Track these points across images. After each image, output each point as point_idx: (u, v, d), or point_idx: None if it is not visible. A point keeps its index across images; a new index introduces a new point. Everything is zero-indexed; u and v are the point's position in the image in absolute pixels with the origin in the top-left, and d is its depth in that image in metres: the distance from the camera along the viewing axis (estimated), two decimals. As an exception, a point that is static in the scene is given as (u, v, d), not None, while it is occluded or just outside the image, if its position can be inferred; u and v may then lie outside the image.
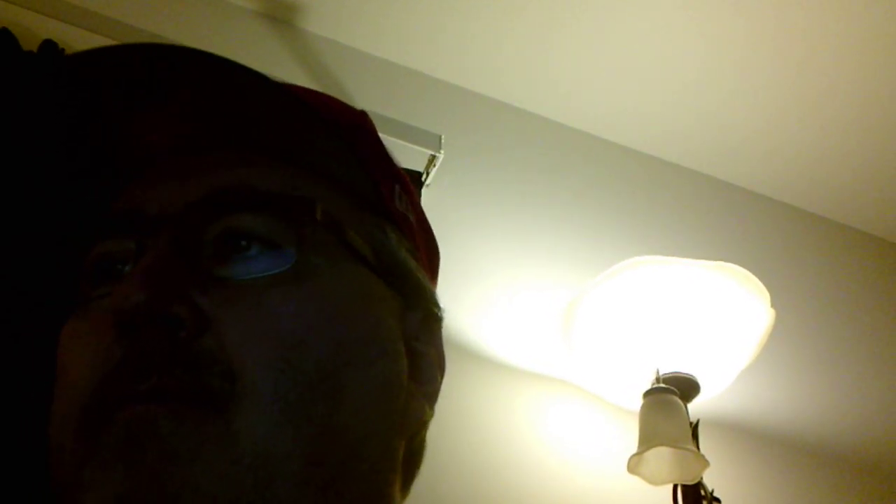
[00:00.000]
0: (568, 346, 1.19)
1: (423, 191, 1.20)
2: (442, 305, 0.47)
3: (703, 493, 1.08)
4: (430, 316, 0.45)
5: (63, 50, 1.02)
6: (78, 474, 0.34)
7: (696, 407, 1.14)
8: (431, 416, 0.44)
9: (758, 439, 1.32)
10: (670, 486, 1.09)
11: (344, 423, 0.37)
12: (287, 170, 0.40)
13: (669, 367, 1.13)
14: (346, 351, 0.38)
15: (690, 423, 1.09)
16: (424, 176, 1.18)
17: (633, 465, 1.06)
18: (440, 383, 0.46)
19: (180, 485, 0.32)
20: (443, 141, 1.17)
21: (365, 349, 0.39)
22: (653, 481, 1.07)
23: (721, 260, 1.14)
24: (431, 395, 0.45)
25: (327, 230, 0.39)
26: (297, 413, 0.35)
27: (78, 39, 1.05)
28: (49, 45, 1.02)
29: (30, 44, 1.01)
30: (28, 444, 0.65)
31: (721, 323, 1.14)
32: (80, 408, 0.35)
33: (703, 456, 1.05)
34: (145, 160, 0.41)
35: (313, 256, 0.38)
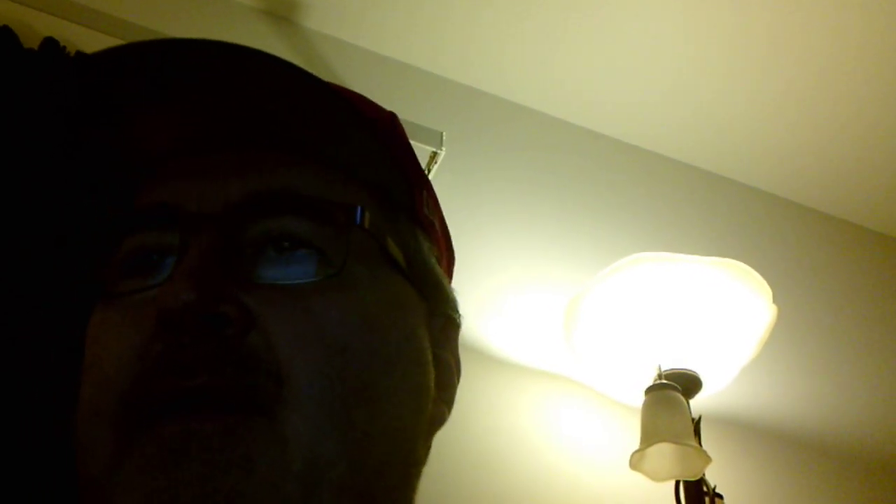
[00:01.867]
0: (570, 343, 1.19)
1: (425, 188, 1.20)
2: (460, 312, 0.47)
3: (705, 489, 1.08)
4: (450, 322, 0.46)
5: (64, 47, 1.02)
6: (114, 470, 0.34)
7: (698, 403, 1.14)
8: (448, 418, 0.45)
9: (760, 435, 1.32)
10: (672, 483, 1.09)
11: (381, 430, 0.37)
12: (326, 173, 0.40)
13: (671, 363, 1.13)
14: (384, 359, 0.38)
15: (692, 420, 1.09)
16: (426, 173, 1.18)
17: (636, 462, 1.06)
18: (456, 387, 0.46)
19: (228, 493, 0.32)
20: (444, 138, 1.17)
21: (401, 358, 0.39)
22: (655, 477, 1.08)
23: (723, 256, 1.14)
24: (449, 400, 0.45)
25: (370, 238, 0.39)
26: (342, 419, 0.35)
27: (79, 37, 1.05)
28: (50, 43, 1.02)
29: (31, 41, 1.01)
30: (42, 433, 0.65)
31: (723, 319, 1.14)
32: (118, 401, 0.35)
33: (705, 452, 1.05)
34: (170, 154, 0.41)
35: (355, 264, 0.38)
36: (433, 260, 0.45)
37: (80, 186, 0.42)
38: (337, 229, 0.38)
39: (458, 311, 0.47)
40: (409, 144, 0.47)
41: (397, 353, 0.39)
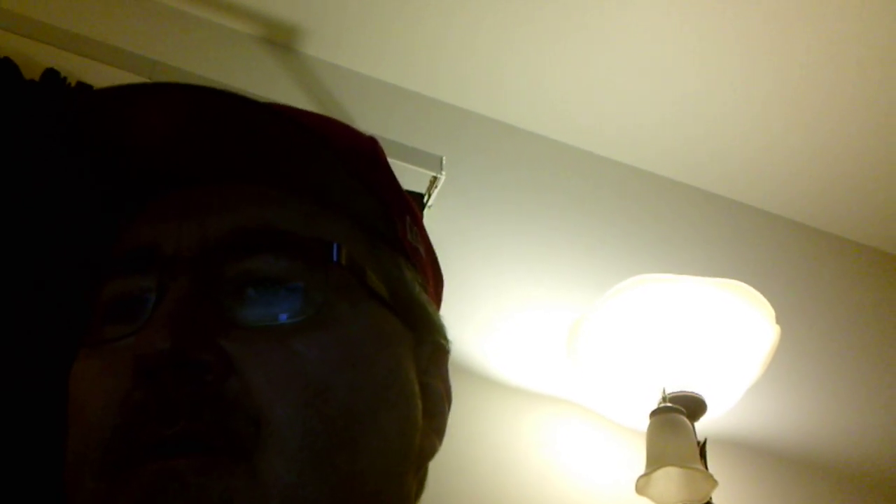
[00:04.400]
0: (573, 366, 1.19)
1: (426, 212, 1.20)
2: (449, 337, 0.47)
3: (712, 513, 1.07)
4: (438, 349, 0.46)
5: (65, 78, 1.03)
6: None
7: (703, 426, 1.13)
8: (439, 448, 0.44)
9: (766, 457, 1.31)
10: (679, 507, 1.08)
11: (365, 467, 0.37)
12: (304, 205, 0.40)
13: (676, 385, 1.12)
14: (368, 395, 0.38)
15: (698, 443, 1.08)
16: (426, 197, 1.19)
17: (642, 487, 1.05)
18: (448, 415, 0.46)
19: None
20: (444, 162, 1.18)
21: (385, 392, 0.39)
22: (661, 502, 1.07)
23: (725, 277, 1.14)
24: (440, 429, 0.45)
25: (350, 273, 0.39)
26: (322, 460, 0.35)
27: (80, 68, 1.05)
28: (51, 74, 1.02)
29: (32, 73, 1.02)
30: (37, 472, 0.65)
31: (726, 340, 1.13)
32: (101, 449, 0.35)
33: (711, 475, 1.04)
34: (150, 192, 0.41)
35: (335, 300, 0.38)
36: (418, 288, 0.44)
37: (67, 223, 0.42)
38: (315, 267, 0.38)
39: (446, 338, 0.47)
40: (389, 170, 0.47)
41: (382, 387, 0.39)
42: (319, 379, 0.36)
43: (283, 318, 0.37)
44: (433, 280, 0.48)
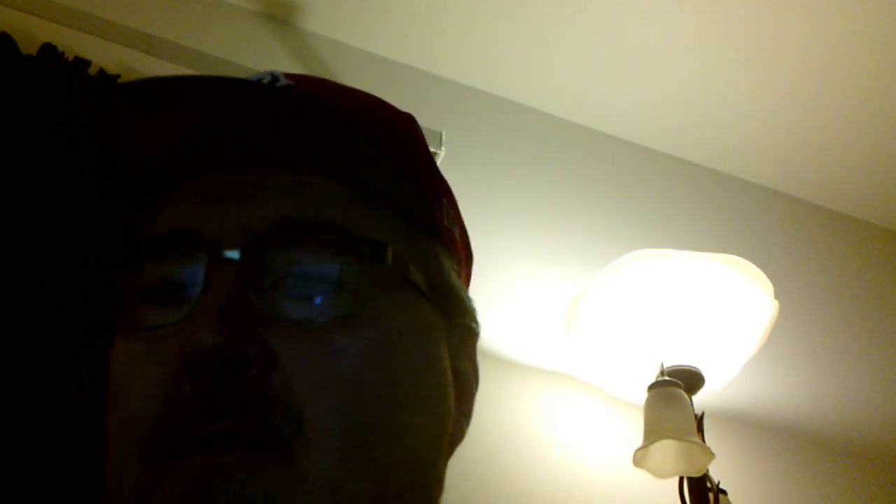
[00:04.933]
0: (572, 340, 1.19)
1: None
2: (479, 319, 0.47)
3: (709, 485, 1.08)
4: (469, 331, 0.46)
5: (63, 53, 1.02)
6: (143, 502, 0.34)
7: (700, 399, 1.14)
8: (467, 430, 0.45)
9: (763, 431, 1.32)
10: (676, 479, 1.09)
11: (404, 459, 0.37)
12: (344, 191, 0.40)
13: (673, 359, 1.13)
14: (406, 389, 0.38)
15: (695, 416, 1.09)
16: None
17: (639, 459, 1.06)
18: (475, 398, 0.46)
19: None
20: (444, 138, 1.17)
21: (423, 385, 0.40)
22: (658, 474, 1.08)
23: (723, 252, 1.14)
24: (468, 412, 0.45)
25: (394, 270, 0.39)
26: (363, 454, 0.35)
27: (78, 42, 1.05)
28: (49, 49, 1.02)
29: (30, 47, 1.01)
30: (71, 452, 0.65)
31: (725, 315, 1.14)
32: (145, 437, 0.35)
33: (708, 448, 1.05)
34: (181, 174, 0.41)
35: (377, 295, 0.38)
36: (453, 275, 0.45)
37: (93, 203, 0.42)
38: (361, 265, 0.38)
39: (476, 320, 0.47)
40: (427, 150, 0.47)
41: (420, 380, 0.39)
42: (359, 375, 0.36)
43: (326, 314, 0.37)
44: (465, 261, 0.49)
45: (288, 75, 0.45)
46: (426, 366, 0.40)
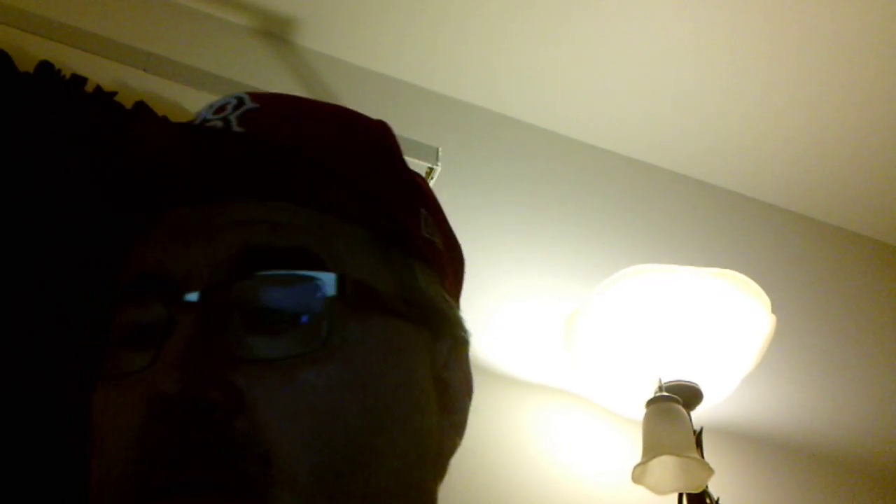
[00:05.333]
0: (570, 356, 1.19)
1: (422, 204, 1.20)
2: (468, 328, 0.47)
3: (708, 501, 1.07)
4: (457, 341, 0.46)
5: (59, 70, 1.02)
6: None
7: (699, 415, 1.14)
8: (459, 444, 0.45)
9: (762, 446, 1.32)
10: (675, 496, 1.08)
11: (383, 486, 0.37)
12: (314, 216, 0.40)
13: (671, 375, 1.13)
14: (379, 414, 0.38)
15: (694, 431, 1.09)
16: (423, 188, 1.19)
17: (638, 475, 1.06)
18: (468, 409, 0.46)
19: None
20: (440, 153, 1.17)
21: (397, 408, 0.39)
22: (658, 491, 1.07)
23: (720, 266, 1.14)
24: (460, 425, 0.45)
25: (359, 296, 0.39)
26: (336, 488, 0.35)
27: (75, 60, 1.05)
28: (46, 66, 1.02)
29: (26, 65, 1.02)
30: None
31: (722, 329, 1.14)
32: (118, 483, 0.35)
33: (707, 464, 1.04)
34: (151, 210, 0.41)
35: (345, 323, 0.38)
36: (432, 288, 0.44)
37: (89, 220, 0.43)
38: (322, 298, 0.38)
39: (464, 329, 0.46)
40: (401, 160, 0.46)
41: (393, 403, 0.39)
42: (328, 407, 0.36)
43: (292, 349, 0.37)
44: (451, 267, 0.48)
45: (254, 97, 0.45)
46: (400, 387, 0.39)
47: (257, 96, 0.45)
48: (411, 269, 0.43)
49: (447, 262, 0.48)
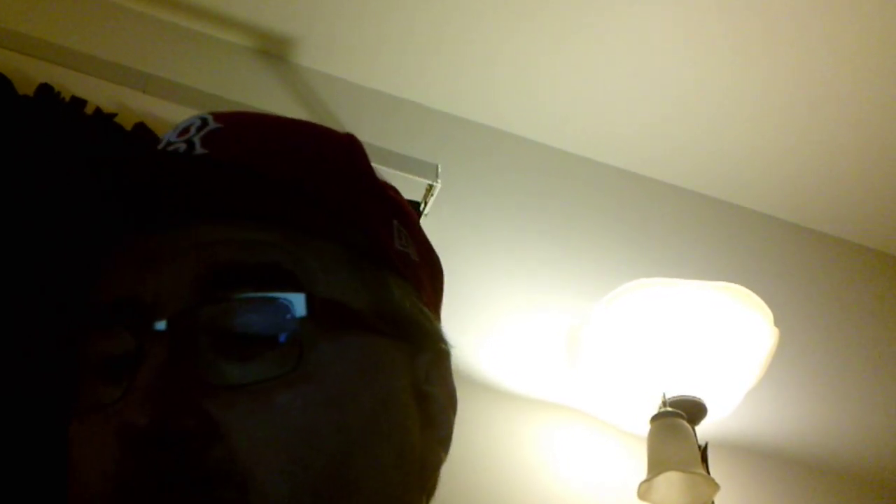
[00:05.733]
0: (573, 371, 1.18)
1: (422, 221, 1.20)
2: (449, 340, 0.46)
3: (714, 516, 1.07)
4: (438, 354, 0.45)
5: (59, 93, 1.02)
6: None
7: (704, 430, 1.13)
8: (445, 458, 0.44)
9: (767, 460, 1.31)
10: (681, 511, 1.07)
11: None
12: (284, 233, 0.39)
13: (676, 390, 1.12)
14: (357, 433, 0.37)
15: (699, 447, 1.08)
16: (422, 206, 1.19)
17: (644, 492, 1.05)
18: (453, 423, 0.45)
19: None
20: (440, 170, 1.18)
21: (376, 425, 0.38)
22: (664, 507, 1.06)
23: (722, 279, 1.14)
24: (445, 440, 0.44)
25: (330, 315, 0.38)
26: None
27: (74, 82, 1.05)
28: (45, 89, 1.02)
29: (26, 88, 1.02)
30: None
31: (725, 343, 1.13)
32: None
33: (713, 479, 1.04)
34: (116, 238, 0.41)
35: (317, 343, 0.37)
36: (408, 301, 0.43)
37: (44, 279, 0.42)
38: (293, 318, 0.37)
39: (445, 341, 0.46)
40: (371, 173, 0.46)
41: (372, 421, 0.38)
42: (305, 430, 0.35)
43: (265, 373, 0.36)
44: (428, 278, 0.47)
45: (217, 117, 0.44)
46: (379, 404, 0.39)
47: (221, 116, 0.45)
48: (386, 283, 0.42)
49: (424, 274, 0.47)
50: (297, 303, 0.37)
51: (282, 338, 0.37)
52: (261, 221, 0.39)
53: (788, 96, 1.42)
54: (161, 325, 0.36)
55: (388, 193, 0.46)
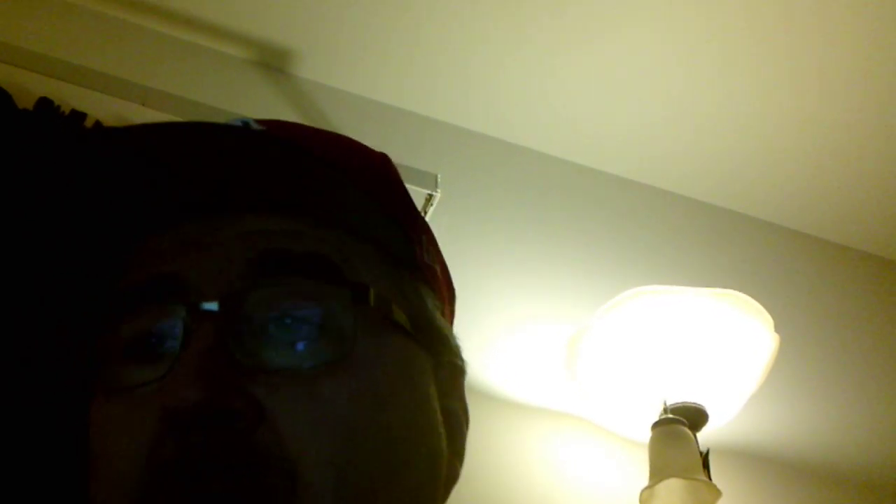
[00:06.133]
0: (574, 379, 1.18)
1: (422, 230, 1.20)
2: (464, 356, 0.46)
3: (717, 523, 1.06)
4: (455, 369, 0.45)
5: (59, 107, 1.03)
6: None
7: (705, 436, 1.13)
8: (460, 472, 0.44)
9: (770, 466, 1.31)
10: (684, 519, 1.07)
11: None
12: (328, 232, 0.39)
13: (676, 397, 1.12)
14: (397, 433, 0.37)
15: (701, 453, 1.08)
16: (423, 216, 1.19)
17: (646, 499, 1.05)
18: (466, 436, 0.45)
19: None
20: (439, 180, 1.18)
21: (414, 428, 0.39)
22: (666, 514, 1.06)
23: (722, 286, 1.14)
24: (460, 453, 0.44)
25: (377, 311, 0.38)
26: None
27: (73, 96, 1.06)
28: (45, 103, 1.03)
29: (26, 102, 1.02)
30: None
31: (726, 350, 1.13)
32: (129, 502, 0.34)
33: (714, 486, 1.03)
34: (153, 225, 0.40)
35: (361, 338, 0.37)
36: (437, 313, 0.44)
37: (74, 259, 0.41)
38: (344, 306, 0.37)
39: (461, 357, 0.46)
40: (403, 188, 0.46)
41: (411, 422, 0.38)
42: (349, 423, 0.35)
43: (310, 360, 0.36)
44: (448, 298, 0.48)
45: (259, 121, 0.44)
46: (416, 407, 0.39)
47: (261, 121, 0.45)
48: (419, 292, 0.43)
49: (445, 291, 0.48)
50: (350, 293, 0.37)
51: (331, 327, 0.37)
52: (308, 216, 0.39)
53: (786, 101, 1.42)
54: (212, 305, 0.35)
55: (417, 211, 0.47)
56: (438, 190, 1.18)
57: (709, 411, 1.13)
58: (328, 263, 0.38)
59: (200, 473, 0.33)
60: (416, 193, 1.18)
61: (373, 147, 0.48)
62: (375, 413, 0.36)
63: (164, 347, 0.37)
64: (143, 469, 0.34)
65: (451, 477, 0.43)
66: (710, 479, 1.07)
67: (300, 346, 0.36)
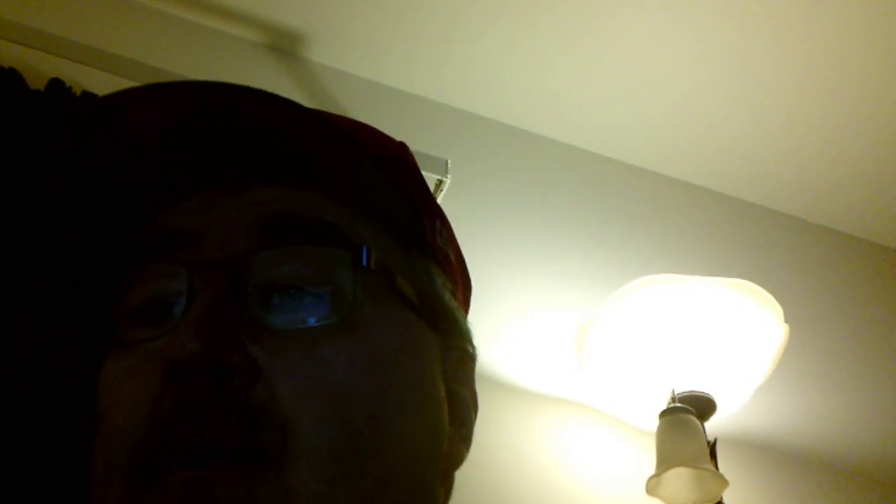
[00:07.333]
0: (582, 367, 1.18)
1: (431, 216, 1.20)
2: (475, 344, 0.47)
3: (723, 513, 1.06)
4: (465, 355, 0.45)
5: (70, 88, 1.03)
6: None
7: (713, 425, 1.13)
8: (466, 456, 0.44)
9: (777, 456, 1.31)
10: (690, 507, 1.07)
11: (394, 473, 0.37)
12: (335, 206, 0.39)
13: (685, 385, 1.12)
14: (395, 400, 0.37)
15: (708, 443, 1.08)
16: (432, 201, 1.19)
17: (652, 487, 1.05)
18: (474, 423, 0.45)
19: None
20: (449, 165, 1.17)
21: (412, 396, 0.39)
22: (672, 503, 1.06)
23: (731, 276, 1.13)
24: (467, 437, 0.44)
25: (379, 277, 0.39)
26: (351, 468, 0.35)
27: (85, 77, 1.06)
28: (56, 84, 1.03)
29: (37, 83, 1.02)
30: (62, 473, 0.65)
31: (735, 339, 1.13)
32: (129, 454, 0.35)
33: (722, 475, 1.03)
34: (174, 188, 0.40)
35: (364, 303, 0.38)
36: (447, 294, 0.44)
37: (87, 225, 0.41)
38: (343, 270, 0.37)
39: (473, 344, 0.46)
40: (420, 175, 0.47)
41: (409, 393, 0.38)
42: (346, 385, 0.36)
43: (311, 322, 0.36)
44: (462, 285, 0.48)
45: None
46: (415, 378, 0.39)
47: None
48: (429, 271, 0.43)
49: (458, 277, 0.48)
50: (353, 256, 0.38)
51: (332, 289, 0.37)
52: (320, 190, 0.39)
53: (799, 91, 1.41)
54: (217, 265, 0.36)
55: (433, 197, 0.48)
56: (449, 175, 1.17)
57: (717, 401, 1.12)
58: (335, 230, 0.38)
59: (195, 420, 0.33)
60: (427, 179, 1.18)
61: (383, 131, 0.48)
62: (373, 378, 0.37)
63: (172, 310, 0.38)
64: (144, 422, 0.35)
65: (455, 457, 0.43)
66: (717, 468, 1.07)
67: (302, 307, 0.37)
